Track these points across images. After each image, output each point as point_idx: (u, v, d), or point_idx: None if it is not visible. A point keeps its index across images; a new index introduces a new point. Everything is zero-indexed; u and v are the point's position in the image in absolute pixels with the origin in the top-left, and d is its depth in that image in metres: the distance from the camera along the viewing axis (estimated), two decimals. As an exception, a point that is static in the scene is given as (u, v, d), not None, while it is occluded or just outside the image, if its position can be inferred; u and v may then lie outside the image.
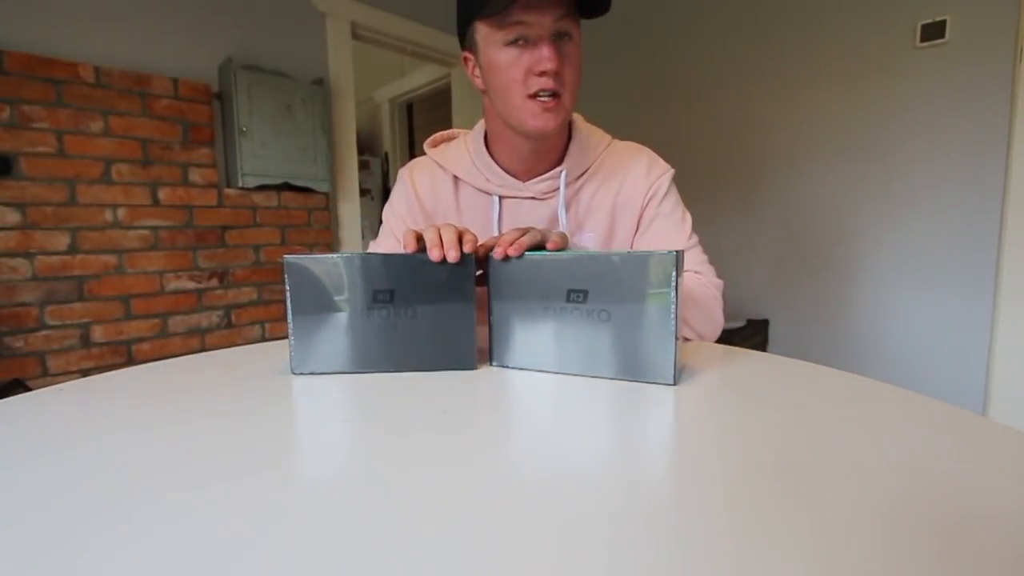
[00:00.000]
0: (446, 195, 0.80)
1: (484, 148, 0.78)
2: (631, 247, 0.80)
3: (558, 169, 0.76)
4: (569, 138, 0.79)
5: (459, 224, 0.61)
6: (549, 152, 0.76)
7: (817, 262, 2.03)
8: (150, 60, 1.82)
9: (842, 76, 1.91)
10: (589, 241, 0.79)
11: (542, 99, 0.66)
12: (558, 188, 0.76)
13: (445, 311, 0.57)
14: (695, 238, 0.80)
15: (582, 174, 0.78)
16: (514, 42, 0.64)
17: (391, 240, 0.82)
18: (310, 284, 0.57)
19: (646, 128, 2.44)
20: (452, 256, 0.53)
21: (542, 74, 0.64)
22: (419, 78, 3.58)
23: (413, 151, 4.16)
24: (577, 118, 0.81)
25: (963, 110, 1.67)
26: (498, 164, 0.77)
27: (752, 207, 2.19)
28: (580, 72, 0.69)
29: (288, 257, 0.56)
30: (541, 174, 0.77)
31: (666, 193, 0.79)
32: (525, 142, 0.73)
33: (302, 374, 0.57)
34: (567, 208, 0.77)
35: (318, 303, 0.57)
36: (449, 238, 0.54)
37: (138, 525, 0.28)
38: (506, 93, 0.67)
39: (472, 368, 0.58)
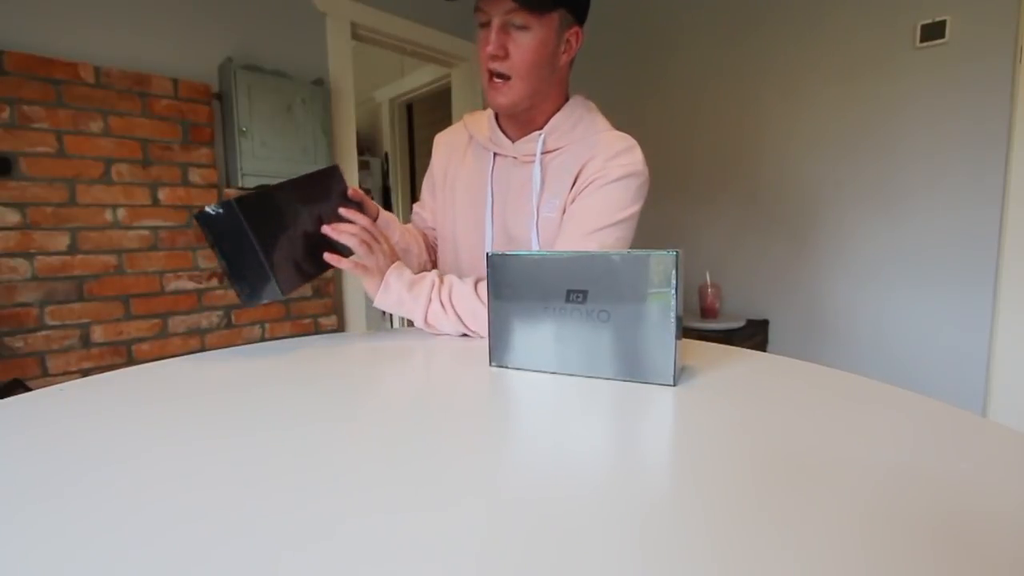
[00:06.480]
0: (459, 151, 0.92)
1: (495, 113, 0.86)
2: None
3: (537, 132, 0.82)
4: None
5: (469, 182, 0.87)
6: (529, 124, 0.82)
7: (817, 262, 2.03)
8: (150, 60, 1.82)
9: (842, 76, 1.91)
10: (553, 208, 0.81)
11: (493, 79, 0.76)
12: (534, 153, 0.81)
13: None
14: (605, 236, 0.76)
15: (561, 148, 0.81)
16: (480, 25, 0.75)
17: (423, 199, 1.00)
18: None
19: (645, 128, 2.43)
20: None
21: (490, 57, 0.74)
22: (419, 78, 3.58)
23: (413, 151, 4.15)
24: (577, 101, 0.84)
25: (963, 110, 1.67)
26: (499, 126, 0.86)
27: (752, 207, 2.19)
28: (540, 62, 0.75)
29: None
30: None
31: (612, 181, 0.76)
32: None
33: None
34: (543, 174, 0.82)
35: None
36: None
37: (138, 524, 0.28)
38: (481, 69, 0.78)
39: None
